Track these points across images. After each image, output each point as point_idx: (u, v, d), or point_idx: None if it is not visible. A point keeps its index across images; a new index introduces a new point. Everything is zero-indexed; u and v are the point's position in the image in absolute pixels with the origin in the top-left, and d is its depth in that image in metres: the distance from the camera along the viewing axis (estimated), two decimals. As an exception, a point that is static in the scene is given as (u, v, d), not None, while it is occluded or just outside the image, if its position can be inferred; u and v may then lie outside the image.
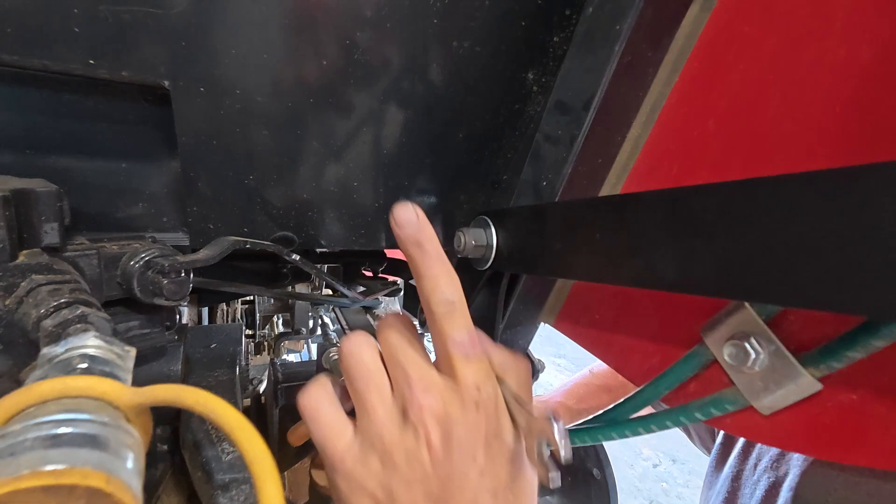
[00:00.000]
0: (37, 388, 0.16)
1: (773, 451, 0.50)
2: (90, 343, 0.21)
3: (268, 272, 0.69)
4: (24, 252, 0.29)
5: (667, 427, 0.28)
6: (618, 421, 0.31)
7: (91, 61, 0.29)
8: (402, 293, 0.69)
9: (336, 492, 0.28)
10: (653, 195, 0.22)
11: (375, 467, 0.26)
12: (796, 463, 0.45)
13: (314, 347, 1.68)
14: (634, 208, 0.22)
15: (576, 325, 0.39)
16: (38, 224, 0.30)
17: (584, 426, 0.33)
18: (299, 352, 1.62)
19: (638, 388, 0.30)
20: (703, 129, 0.29)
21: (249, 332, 0.93)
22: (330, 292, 0.88)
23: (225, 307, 0.88)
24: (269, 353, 1.01)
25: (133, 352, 0.22)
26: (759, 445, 0.54)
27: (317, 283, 0.80)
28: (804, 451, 0.23)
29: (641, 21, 0.28)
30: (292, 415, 0.53)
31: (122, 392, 0.17)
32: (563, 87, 0.33)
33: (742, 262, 0.18)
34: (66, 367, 0.18)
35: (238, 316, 0.87)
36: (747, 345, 0.23)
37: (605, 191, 0.35)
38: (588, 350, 0.38)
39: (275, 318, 1.10)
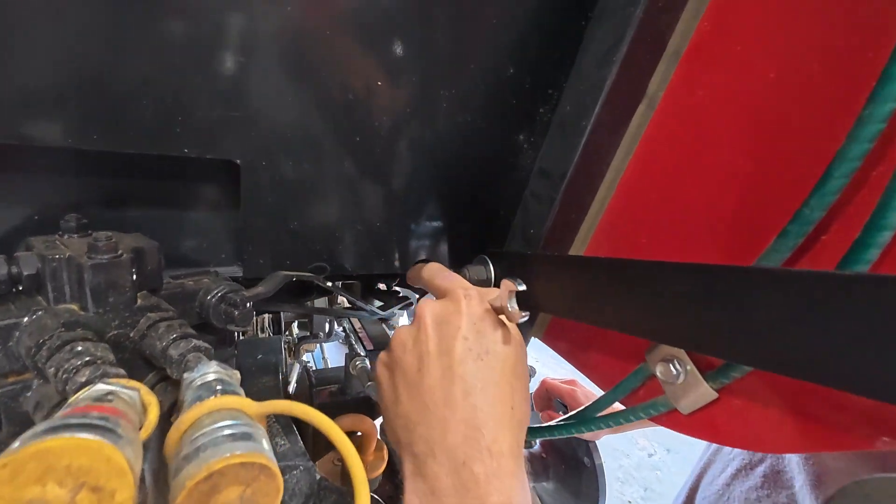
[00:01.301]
0: (206, 405, 0.25)
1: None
2: (212, 370, 0.31)
3: (297, 287, 0.79)
4: (139, 294, 0.38)
5: (620, 423, 0.37)
6: (587, 418, 0.40)
7: (186, 150, 0.39)
8: (413, 307, 0.79)
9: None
10: (603, 261, 0.31)
11: (393, 351, 0.39)
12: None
13: (325, 347, 1.77)
14: (591, 268, 0.32)
15: (558, 341, 0.49)
16: (147, 272, 0.39)
17: (563, 423, 0.42)
18: (312, 352, 1.73)
19: (602, 394, 0.40)
20: (647, 199, 0.38)
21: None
22: (345, 302, 0.98)
23: (255, 315, 0.97)
24: (290, 356, 1.11)
25: (237, 374, 0.32)
26: None
27: (335, 297, 0.89)
28: (711, 440, 0.32)
29: (600, 118, 0.37)
30: (325, 413, 0.63)
31: (252, 406, 0.27)
32: (546, 158, 0.42)
33: (655, 315, 0.27)
34: (210, 389, 0.28)
35: (266, 324, 0.97)
36: (671, 365, 0.33)
37: (579, 238, 0.45)
38: (567, 360, 0.47)
39: (293, 324, 1.20)
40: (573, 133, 0.38)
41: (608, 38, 0.34)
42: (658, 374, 0.34)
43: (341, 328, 0.89)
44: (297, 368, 1.50)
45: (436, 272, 0.45)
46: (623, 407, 0.38)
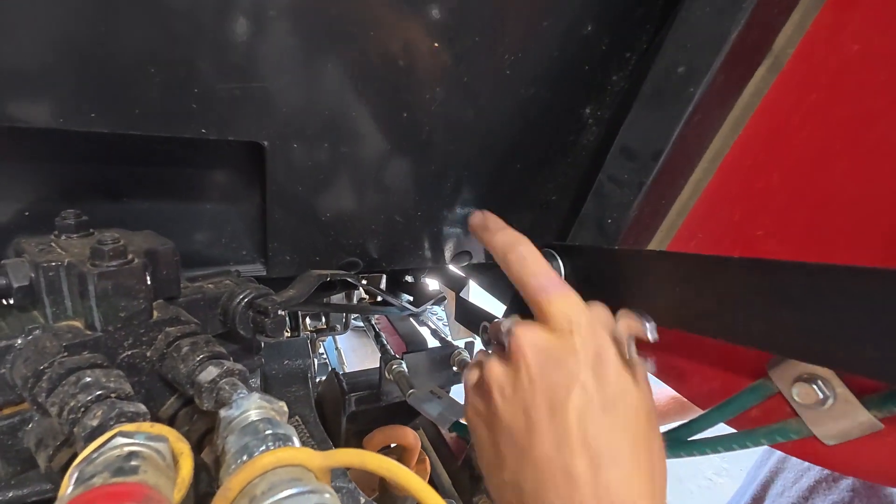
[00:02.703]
0: (258, 464, 0.19)
1: None
2: (254, 405, 0.25)
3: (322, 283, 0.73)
4: (155, 305, 0.32)
5: (732, 449, 0.32)
6: (684, 441, 0.35)
7: (203, 130, 0.32)
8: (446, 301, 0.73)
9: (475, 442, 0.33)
10: (740, 262, 0.25)
11: (488, 398, 0.30)
12: None
13: (338, 339, 1.73)
14: (722, 271, 0.25)
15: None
16: (162, 278, 0.33)
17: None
18: (324, 341, 1.70)
19: (704, 412, 0.34)
20: (767, 181, 0.31)
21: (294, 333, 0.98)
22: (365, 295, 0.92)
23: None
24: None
25: (284, 405, 0.26)
26: None
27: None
28: (865, 477, 0.26)
29: (713, 84, 0.30)
30: (356, 421, 0.58)
31: (315, 458, 0.21)
32: (630, 134, 0.35)
33: (825, 335, 0.21)
34: (257, 435, 0.22)
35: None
36: (815, 387, 0.27)
37: (665, 226, 0.38)
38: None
39: (307, 316, 1.14)
40: (675, 102, 0.31)
41: (736, -21, 0.27)
42: (794, 396, 0.28)
43: (364, 322, 0.83)
44: (314, 363, 1.45)
45: (519, 256, 0.32)
46: (732, 429, 0.33)
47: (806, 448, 0.29)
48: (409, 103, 0.36)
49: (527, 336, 0.29)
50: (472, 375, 0.33)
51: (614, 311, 0.31)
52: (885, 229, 0.26)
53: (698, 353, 0.36)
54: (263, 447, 0.21)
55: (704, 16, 0.29)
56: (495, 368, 0.30)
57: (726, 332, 0.26)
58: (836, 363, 0.23)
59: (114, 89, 0.29)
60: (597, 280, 0.35)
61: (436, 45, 0.33)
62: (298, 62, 0.32)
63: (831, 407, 0.26)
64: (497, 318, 0.52)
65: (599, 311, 0.31)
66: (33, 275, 0.29)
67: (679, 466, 2.50)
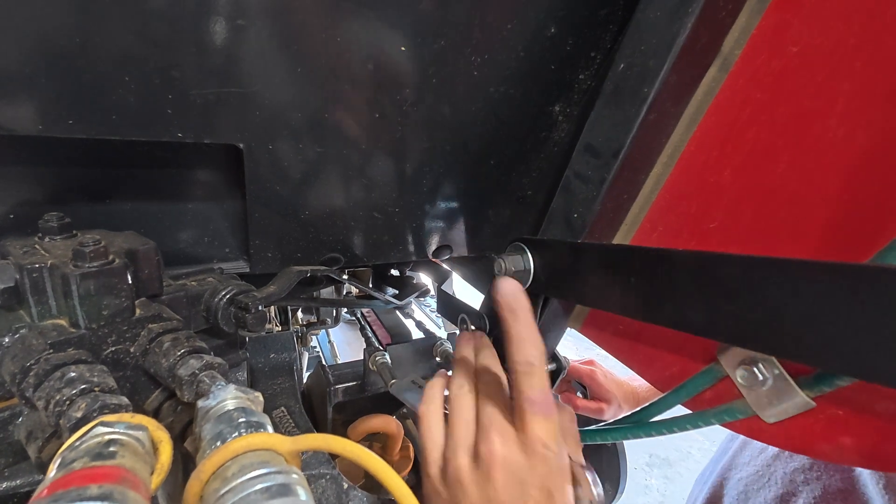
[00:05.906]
0: (230, 448, 0.21)
1: None
2: (231, 395, 0.26)
3: (306, 278, 0.75)
4: (138, 303, 0.34)
5: (687, 429, 0.34)
6: (644, 422, 0.37)
7: (180, 134, 0.33)
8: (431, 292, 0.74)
9: (424, 489, 0.34)
10: (684, 255, 0.26)
11: (450, 488, 0.32)
12: None
13: (332, 333, 1.74)
14: (668, 263, 0.27)
15: (601, 332, 0.44)
16: (143, 277, 0.34)
17: (615, 426, 0.39)
18: (316, 335, 1.71)
19: (662, 395, 0.36)
20: (719, 177, 0.33)
21: (284, 327, 0.99)
22: (354, 290, 0.93)
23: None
24: (297, 344, 1.08)
25: (260, 396, 0.28)
26: None
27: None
28: (800, 451, 0.28)
29: (666, 83, 0.32)
30: (343, 412, 0.59)
31: (285, 443, 0.23)
32: (593, 133, 0.37)
33: (756, 322, 0.23)
34: (231, 422, 0.24)
35: (273, 313, 0.94)
36: (756, 370, 0.29)
37: (628, 223, 0.40)
38: (612, 354, 0.43)
39: (298, 311, 1.16)
40: (631, 102, 0.33)
41: (683, -15, 0.28)
42: (738, 378, 0.30)
43: (336, 310, 0.84)
44: (305, 356, 1.46)
45: (527, 362, 0.31)
46: (688, 410, 0.35)
47: (751, 426, 0.31)
48: (380, 104, 0.37)
49: (501, 450, 0.30)
50: (437, 439, 0.34)
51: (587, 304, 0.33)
52: (820, 222, 0.28)
53: (661, 341, 0.38)
54: (236, 433, 0.23)
55: (656, 18, 0.31)
56: (463, 463, 0.31)
57: (673, 321, 0.27)
58: (769, 348, 0.24)
59: (91, 96, 0.30)
60: (562, 273, 0.37)
61: (403, 48, 0.34)
62: (271, 67, 0.33)
63: (770, 388, 0.28)
64: (474, 309, 0.54)
65: (568, 422, 0.34)
66: (18, 276, 0.30)
67: (670, 451, 2.56)
